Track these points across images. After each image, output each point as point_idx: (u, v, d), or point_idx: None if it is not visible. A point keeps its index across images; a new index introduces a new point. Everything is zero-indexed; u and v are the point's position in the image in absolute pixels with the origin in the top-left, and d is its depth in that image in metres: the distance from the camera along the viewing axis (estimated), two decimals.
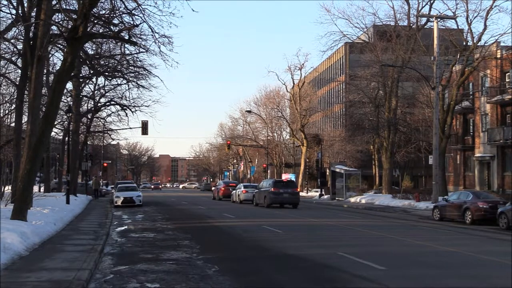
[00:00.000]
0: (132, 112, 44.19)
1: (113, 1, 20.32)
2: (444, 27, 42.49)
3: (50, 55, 32.18)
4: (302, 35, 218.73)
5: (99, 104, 47.81)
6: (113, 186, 68.21)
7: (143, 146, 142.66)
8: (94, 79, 44.41)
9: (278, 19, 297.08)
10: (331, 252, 14.27)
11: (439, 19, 37.52)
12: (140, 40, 26.43)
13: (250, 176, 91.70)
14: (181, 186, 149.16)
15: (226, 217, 27.36)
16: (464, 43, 41.86)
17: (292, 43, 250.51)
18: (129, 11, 20.65)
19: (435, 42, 34.90)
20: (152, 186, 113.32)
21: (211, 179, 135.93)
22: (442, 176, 38.60)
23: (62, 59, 25.20)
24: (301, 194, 45.68)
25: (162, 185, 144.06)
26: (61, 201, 29.88)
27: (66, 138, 40.84)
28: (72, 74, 28.91)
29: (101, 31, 25.90)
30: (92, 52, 34.17)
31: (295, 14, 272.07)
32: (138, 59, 34.46)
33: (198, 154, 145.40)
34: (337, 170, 50.52)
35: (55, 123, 34.41)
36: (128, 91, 58.43)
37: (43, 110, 24.08)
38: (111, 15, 21.86)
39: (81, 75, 38.11)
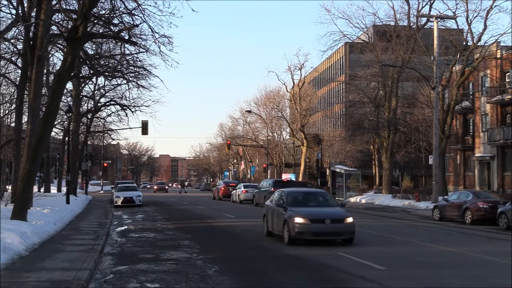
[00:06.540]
0: (132, 112, 44.27)
1: (113, 1, 20.34)
2: (444, 27, 42.48)
3: (50, 55, 32.21)
4: (302, 35, 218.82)
5: (99, 104, 47.86)
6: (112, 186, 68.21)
7: (143, 146, 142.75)
8: (94, 79, 44.43)
9: (278, 19, 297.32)
10: (331, 252, 14.27)
11: (439, 19, 37.53)
12: (140, 40, 26.48)
13: (250, 176, 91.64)
14: (179, 186, 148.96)
15: (226, 217, 27.36)
16: (464, 43, 41.84)
17: (292, 43, 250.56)
18: (129, 11, 20.68)
19: (435, 42, 34.91)
20: (155, 187, 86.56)
21: (211, 179, 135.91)
22: (442, 176, 38.58)
23: (62, 59, 25.21)
24: None
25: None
26: (61, 201, 29.89)
27: (66, 138, 40.85)
28: (72, 74, 28.91)
29: (101, 31, 25.92)
30: (92, 52, 34.17)
31: (295, 14, 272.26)
32: (138, 59, 34.49)
33: (198, 154, 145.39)
34: (337, 170, 50.51)
35: (55, 123, 34.41)
36: (128, 91, 58.50)
37: (43, 110, 24.08)
38: (111, 15, 21.88)
39: (81, 75, 38.09)
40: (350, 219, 15.88)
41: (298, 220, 15.50)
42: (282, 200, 17.19)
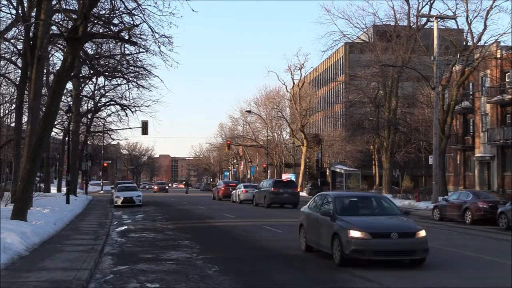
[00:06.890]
0: (132, 112, 44.30)
1: (113, 1, 20.35)
2: (444, 27, 42.55)
3: (50, 55, 32.21)
4: (302, 35, 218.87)
5: (99, 104, 47.87)
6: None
7: (143, 146, 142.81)
8: (94, 79, 44.45)
9: (278, 19, 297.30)
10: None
11: (439, 19, 37.58)
12: (140, 40, 26.49)
13: (250, 176, 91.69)
14: (180, 186, 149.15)
15: (226, 217, 27.35)
16: (464, 43, 41.91)
17: (292, 43, 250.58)
18: (129, 11, 20.70)
19: (435, 42, 34.93)
20: (156, 187, 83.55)
21: (211, 179, 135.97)
22: (442, 176, 38.61)
23: (62, 59, 25.22)
24: (301, 194, 45.64)
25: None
26: (61, 201, 29.89)
27: (66, 138, 40.86)
28: (72, 74, 28.92)
29: (101, 31, 25.93)
30: (92, 52, 34.19)
31: (295, 14, 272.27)
32: (138, 59, 34.51)
33: (198, 154, 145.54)
34: (337, 170, 50.59)
35: (55, 123, 34.42)
36: (128, 91, 58.44)
37: (43, 110, 24.08)
38: (111, 15, 21.89)
39: (81, 75, 38.11)
40: (423, 233, 12.04)
41: (355, 233, 11.72)
42: (327, 206, 13.41)
